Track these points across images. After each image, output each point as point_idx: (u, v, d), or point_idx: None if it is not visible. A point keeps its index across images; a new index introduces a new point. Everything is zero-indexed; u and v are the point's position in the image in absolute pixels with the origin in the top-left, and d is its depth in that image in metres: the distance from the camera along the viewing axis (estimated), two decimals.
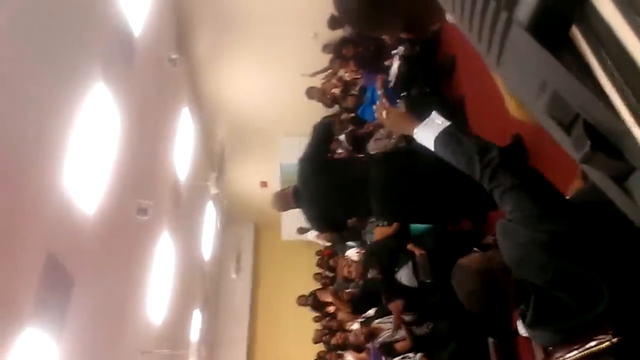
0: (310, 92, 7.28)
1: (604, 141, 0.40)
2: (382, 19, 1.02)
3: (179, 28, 7.35)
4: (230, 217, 10.62)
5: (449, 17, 1.05)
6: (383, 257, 4.52)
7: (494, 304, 1.70)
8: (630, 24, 0.36)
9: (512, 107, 1.28)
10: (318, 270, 8.94)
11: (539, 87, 0.43)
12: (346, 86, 6.96)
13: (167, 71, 6.75)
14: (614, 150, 0.39)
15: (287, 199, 3.39)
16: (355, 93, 6.71)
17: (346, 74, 6.95)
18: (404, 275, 4.35)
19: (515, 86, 0.48)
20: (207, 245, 9.41)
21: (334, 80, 7.16)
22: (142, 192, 5.70)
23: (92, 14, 4.59)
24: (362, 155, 4.98)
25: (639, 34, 0.34)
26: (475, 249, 4.12)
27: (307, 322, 8.40)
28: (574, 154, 0.43)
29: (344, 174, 3.14)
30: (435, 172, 2.79)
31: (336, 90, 7.04)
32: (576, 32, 0.41)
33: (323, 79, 7.45)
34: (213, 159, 9.16)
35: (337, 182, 3.08)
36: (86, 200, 4.31)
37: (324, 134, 3.30)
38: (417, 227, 4.55)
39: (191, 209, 8.35)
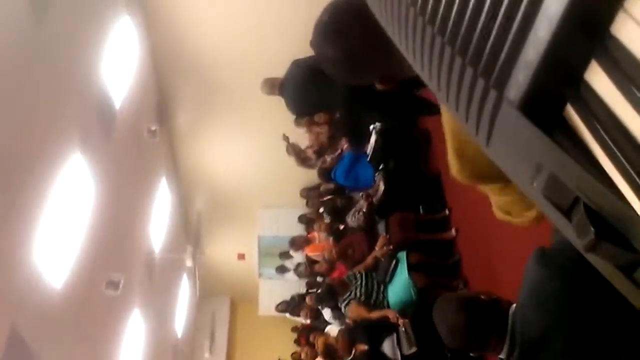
0: (288, 149, 7.26)
1: (610, 228, 0.37)
2: (357, 72, 1.05)
3: (160, 99, 7.45)
4: (205, 291, 10.30)
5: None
6: (368, 330, 4.38)
7: (477, 337, 1.62)
8: (630, 101, 0.34)
9: (455, 170, 1.25)
10: (295, 349, 8.58)
11: (534, 169, 0.41)
12: (322, 147, 6.95)
13: (146, 142, 6.75)
14: (621, 238, 0.36)
15: (274, 85, 4.21)
16: (332, 156, 6.71)
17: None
18: (387, 347, 4.21)
19: (508, 168, 0.45)
20: (180, 321, 9.03)
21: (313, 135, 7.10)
22: (114, 264, 5.51)
23: (74, 84, 4.62)
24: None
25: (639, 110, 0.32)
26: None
27: None
28: (576, 241, 0.39)
29: (325, 87, 3.83)
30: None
31: (310, 151, 7.03)
32: (571, 111, 0.39)
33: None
34: (189, 231, 9.00)
35: (317, 89, 3.90)
36: (54, 273, 4.14)
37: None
38: (397, 299, 4.45)
39: (165, 282, 8.08)
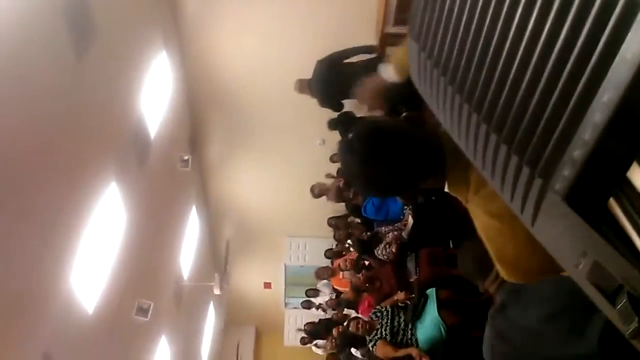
0: (313, 189, 7.30)
1: None
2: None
3: (193, 129, 7.63)
4: (231, 320, 10.31)
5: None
6: None
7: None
8: None
9: (502, 274, 1.29)
10: None
11: (578, 254, 0.43)
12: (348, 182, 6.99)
13: (178, 171, 6.90)
14: None
15: (304, 86, 5.12)
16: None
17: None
18: None
19: (552, 249, 0.48)
20: (206, 349, 9.03)
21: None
22: (144, 291, 5.59)
23: (112, 115, 4.79)
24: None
25: None
26: None
27: None
28: (619, 325, 0.41)
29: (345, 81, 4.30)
30: None
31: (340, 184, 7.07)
32: (614, 204, 0.41)
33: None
34: (217, 259, 9.08)
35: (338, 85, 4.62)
36: (87, 299, 4.23)
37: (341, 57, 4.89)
38: (426, 337, 4.38)
39: (192, 310, 8.13)
